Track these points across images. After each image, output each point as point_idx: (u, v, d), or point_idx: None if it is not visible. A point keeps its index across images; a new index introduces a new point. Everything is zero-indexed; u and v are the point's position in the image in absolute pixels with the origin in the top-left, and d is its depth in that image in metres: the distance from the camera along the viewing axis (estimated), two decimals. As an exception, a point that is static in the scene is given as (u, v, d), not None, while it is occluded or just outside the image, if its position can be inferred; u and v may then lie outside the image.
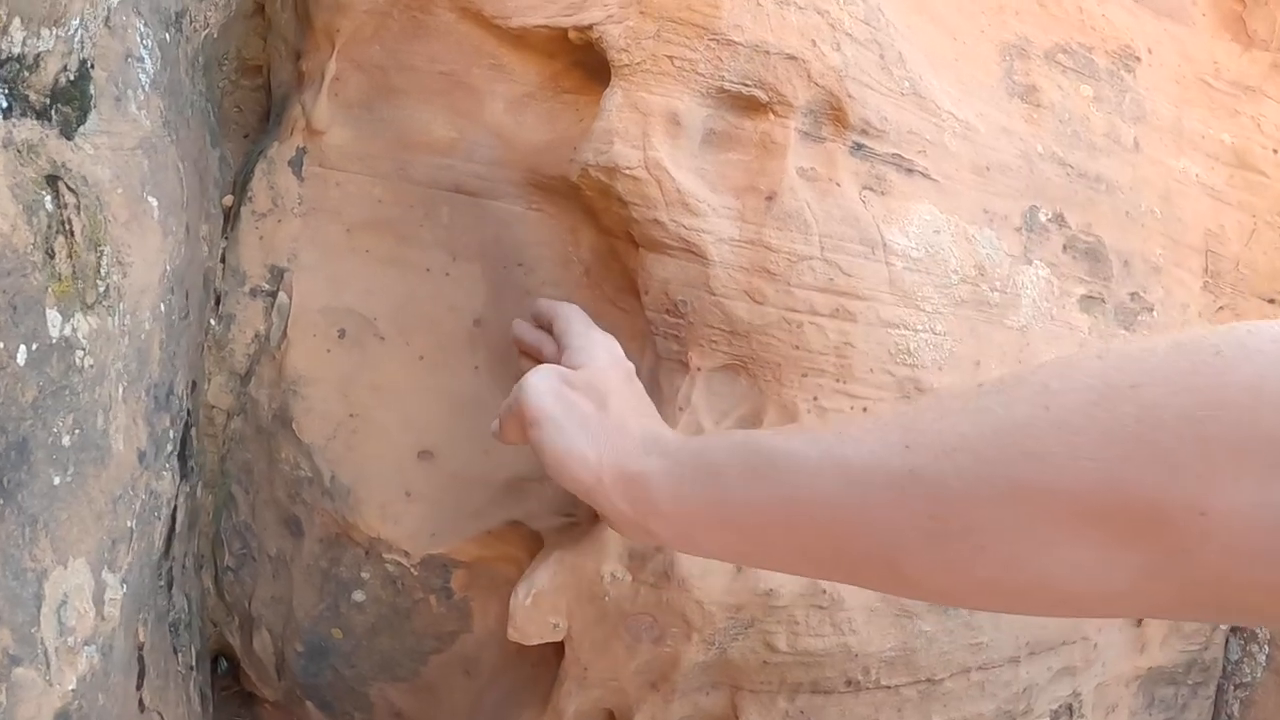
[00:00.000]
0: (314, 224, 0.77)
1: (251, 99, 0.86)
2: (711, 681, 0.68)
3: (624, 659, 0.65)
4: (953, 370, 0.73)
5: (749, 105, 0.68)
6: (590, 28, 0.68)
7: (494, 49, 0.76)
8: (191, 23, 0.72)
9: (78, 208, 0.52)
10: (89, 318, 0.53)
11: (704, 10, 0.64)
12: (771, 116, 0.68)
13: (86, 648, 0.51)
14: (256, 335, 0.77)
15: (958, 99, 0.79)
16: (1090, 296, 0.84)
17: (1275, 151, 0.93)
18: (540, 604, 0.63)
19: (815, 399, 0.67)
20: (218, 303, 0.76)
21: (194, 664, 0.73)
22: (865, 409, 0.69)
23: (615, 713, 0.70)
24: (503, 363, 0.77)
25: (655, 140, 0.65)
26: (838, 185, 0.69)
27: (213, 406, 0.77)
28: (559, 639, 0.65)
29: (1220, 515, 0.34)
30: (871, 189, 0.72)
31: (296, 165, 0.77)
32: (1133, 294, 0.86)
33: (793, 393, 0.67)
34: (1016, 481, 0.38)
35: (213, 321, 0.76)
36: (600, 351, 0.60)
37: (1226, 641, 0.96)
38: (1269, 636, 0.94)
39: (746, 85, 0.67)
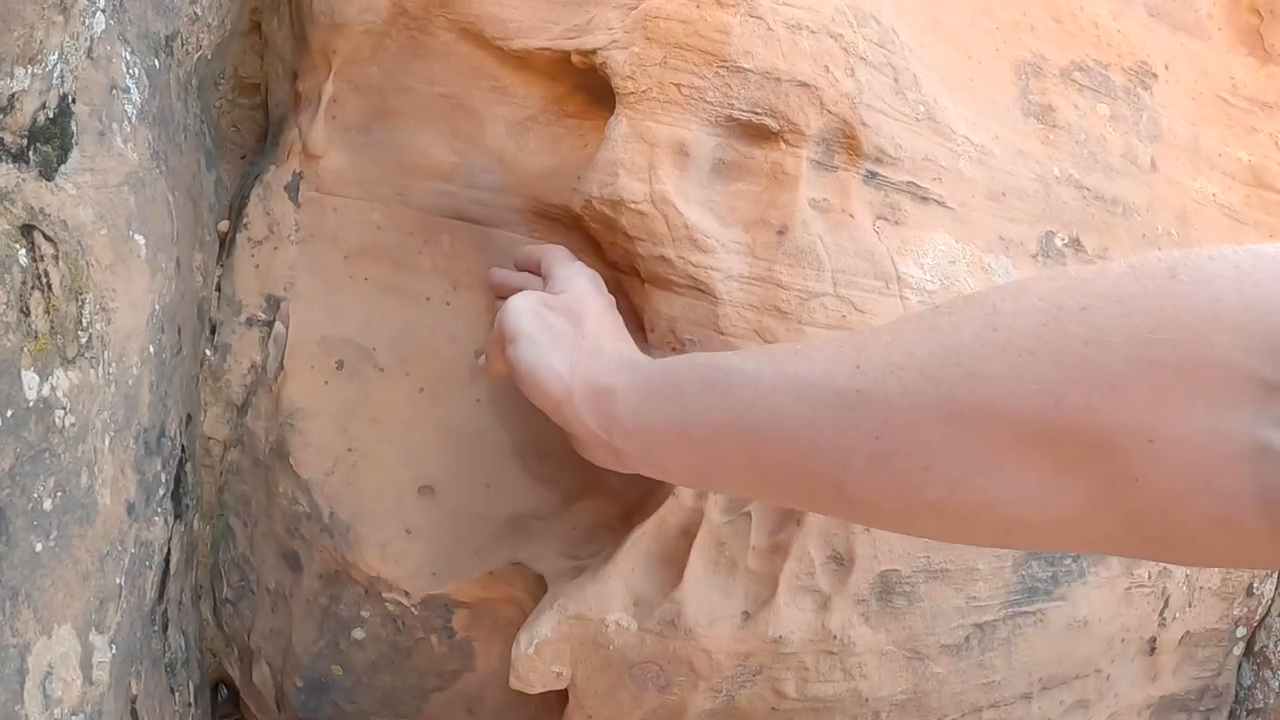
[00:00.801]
0: (311, 251, 0.74)
1: (249, 118, 0.82)
2: (719, 728, 0.65)
3: (629, 707, 0.62)
4: (967, 405, 0.69)
5: (760, 134, 0.64)
6: (594, 52, 0.64)
7: (495, 71, 0.72)
8: (183, 45, 0.68)
9: (56, 257, 0.49)
10: (69, 373, 0.49)
11: (713, 36, 0.60)
12: (783, 145, 0.64)
13: (74, 718, 0.48)
14: (253, 366, 0.73)
15: (973, 122, 0.75)
16: (1106, 322, 0.80)
17: (1295, 170, 0.89)
18: (543, 653, 0.60)
19: (827, 439, 0.64)
20: (213, 332, 0.73)
21: (192, 700, 0.70)
22: (878, 448, 0.65)
23: (620, 758, 0.67)
24: (506, 394, 0.74)
25: (662, 172, 0.61)
26: (851, 216, 0.66)
27: (209, 438, 0.73)
28: (563, 687, 0.62)
29: (1168, 444, 0.32)
30: (885, 219, 0.68)
31: (293, 190, 0.74)
32: (1149, 319, 0.82)
33: (803, 433, 0.63)
34: (962, 402, 0.36)
35: (208, 352, 0.73)
36: (581, 280, 0.60)
37: (1239, 667, 0.93)
38: (1283, 663, 0.91)
39: (757, 113, 0.63)
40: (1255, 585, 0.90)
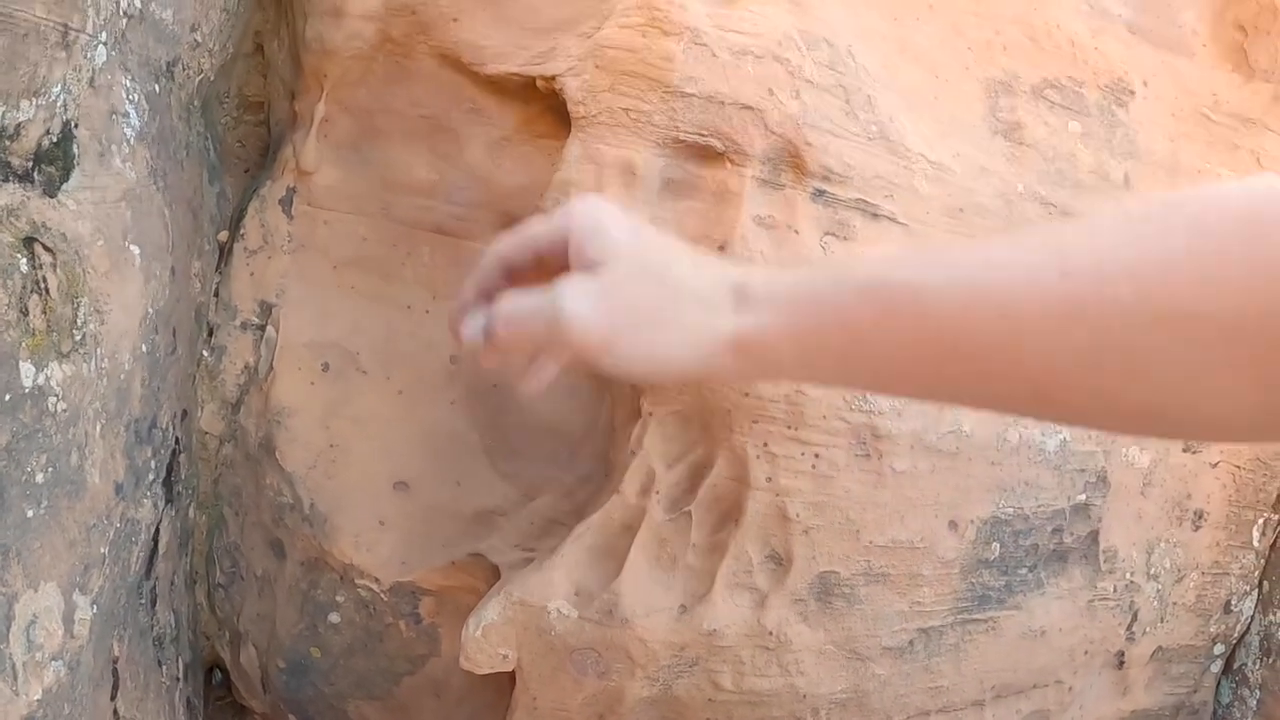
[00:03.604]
0: (302, 261, 0.83)
1: (254, 134, 0.92)
2: (660, 716, 0.72)
3: (571, 691, 0.69)
4: (914, 416, 0.75)
5: (707, 155, 0.71)
6: (554, 79, 0.72)
7: (473, 94, 0.80)
8: (184, 70, 0.78)
9: (54, 265, 0.58)
10: (63, 366, 0.59)
11: (657, 64, 0.68)
12: (728, 165, 0.71)
13: (54, 663, 0.57)
14: (246, 366, 0.83)
15: (933, 140, 0.81)
16: (1072, 337, 0.84)
17: (1278, 188, 0.92)
18: (490, 636, 0.68)
19: (765, 445, 0.70)
20: (210, 335, 0.83)
21: (181, 675, 0.79)
22: (817, 455, 0.71)
23: (567, 742, 0.74)
24: (477, 397, 0.82)
25: (609, 191, 0.69)
26: (796, 232, 0.72)
27: (205, 432, 0.83)
28: (509, 669, 0.69)
29: None
30: (834, 234, 0.74)
31: (287, 204, 0.83)
32: (1118, 335, 0.86)
33: (743, 439, 0.70)
34: (1182, 309, 0.39)
35: (205, 353, 0.82)
36: (613, 234, 0.51)
37: (1218, 685, 0.96)
38: (1260, 681, 0.93)
39: (703, 135, 0.70)
40: (1233, 602, 0.93)
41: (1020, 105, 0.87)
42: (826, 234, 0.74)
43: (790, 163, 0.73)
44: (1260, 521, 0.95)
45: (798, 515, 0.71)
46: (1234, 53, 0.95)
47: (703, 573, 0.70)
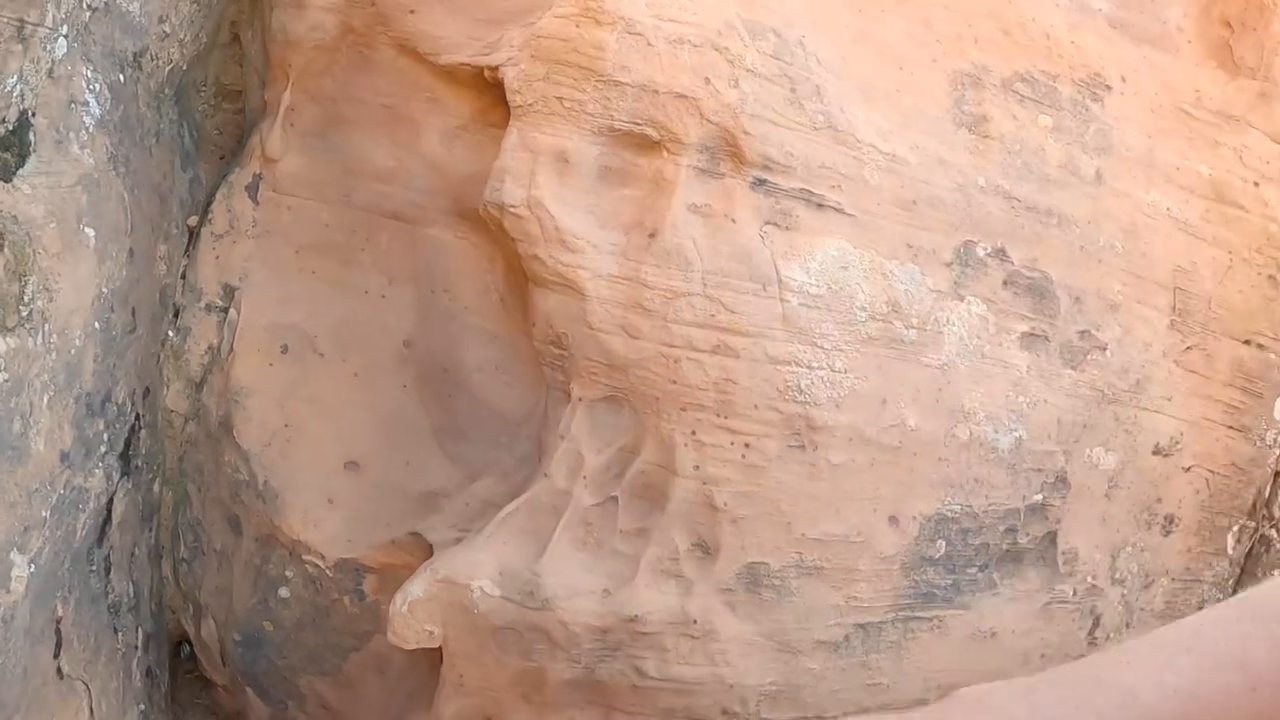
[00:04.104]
0: (266, 245, 0.87)
1: (232, 122, 0.96)
2: (585, 699, 0.74)
3: (495, 670, 0.71)
4: (853, 408, 0.75)
5: (643, 143, 0.73)
6: (497, 69, 0.74)
7: (430, 83, 0.83)
8: (153, 59, 0.82)
9: (1, 247, 0.62)
10: (7, 339, 0.63)
11: (589, 53, 0.70)
12: (664, 154, 0.72)
13: (-16, 616, 0.61)
14: (210, 347, 0.86)
15: (887, 131, 0.81)
16: (1032, 334, 0.84)
17: (1257, 184, 0.91)
18: (415, 611, 0.70)
19: (694, 433, 0.72)
20: (176, 315, 0.87)
21: (140, 645, 0.83)
22: (748, 445, 0.72)
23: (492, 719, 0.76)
24: (428, 382, 0.84)
25: (540, 179, 0.71)
26: (733, 221, 0.73)
27: (171, 411, 0.87)
28: (435, 645, 0.72)
29: None
30: (775, 224, 0.75)
31: (253, 190, 0.87)
32: (1082, 332, 0.86)
33: (670, 426, 0.71)
34: None
35: (171, 333, 0.86)
36: None
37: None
38: None
39: (637, 124, 0.72)
40: (1206, 606, 0.91)
41: (988, 98, 0.87)
42: (767, 223, 0.75)
43: (728, 152, 0.74)
44: (1235, 528, 0.93)
45: (725, 504, 0.72)
46: (1219, 49, 0.93)
47: (628, 558, 0.72)
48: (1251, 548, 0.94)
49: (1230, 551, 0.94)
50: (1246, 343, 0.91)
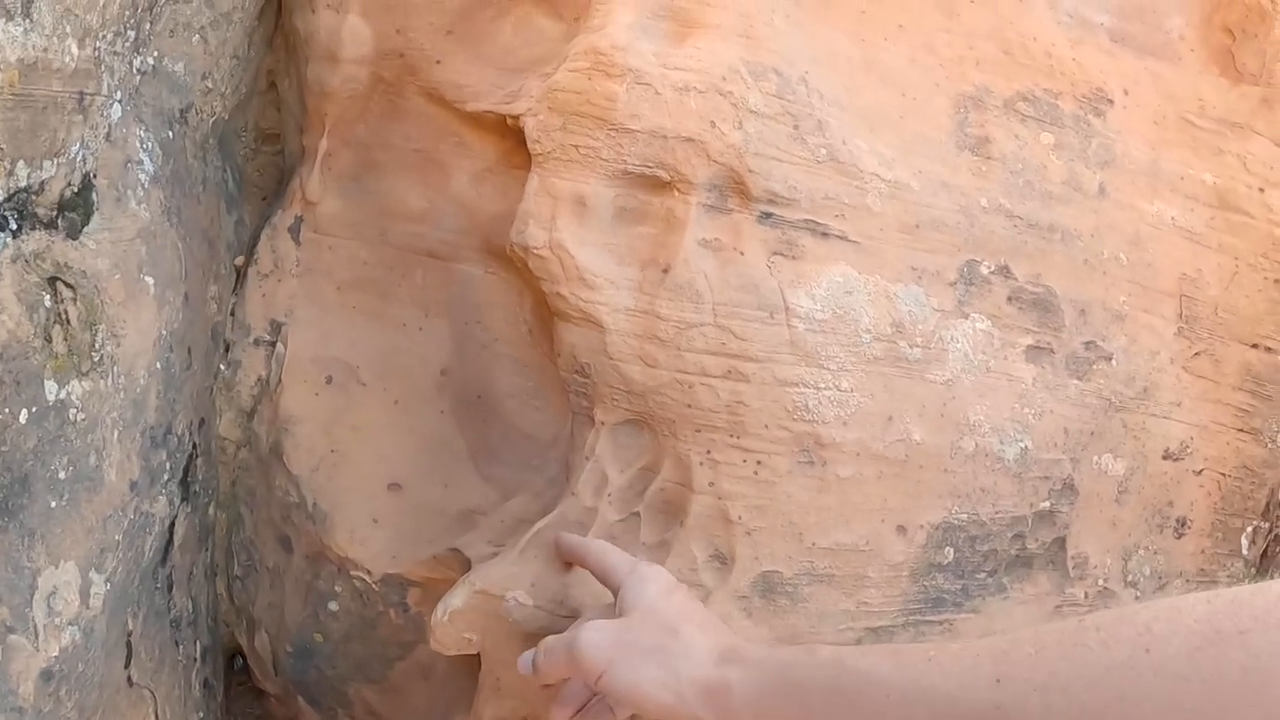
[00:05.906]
0: (309, 283, 0.97)
1: (271, 164, 1.07)
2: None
3: (530, 675, 0.81)
4: (860, 425, 0.84)
5: (655, 184, 0.81)
6: (518, 118, 0.84)
7: (458, 129, 0.93)
8: (198, 114, 0.92)
9: (74, 299, 0.73)
10: (82, 383, 0.73)
11: (601, 104, 0.79)
12: (675, 193, 0.81)
13: (70, 627, 0.71)
14: (259, 379, 0.97)
15: (890, 159, 0.89)
16: (1037, 347, 0.92)
17: (1261, 190, 0.97)
18: (455, 620, 0.80)
19: (709, 452, 0.80)
20: (227, 350, 0.97)
21: (198, 657, 0.94)
22: (759, 462, 0.81)
23: (529, 722, 0.85)
24: (463, 408, 0.94)
25: (561, 222, 0.80)
26: (741, 254, 0.82)
27: (224, 438, 0.98)
28: (474, 652, 0.81)
29: None
30: (782, 254, 0.84)
31: (294, 231, 0.97)
32: (1088, 343, 0.93)
33: (687, 446, 0.80)
34: None
35: (223, 367, 0.97)
36: (650, 586, 0.67)
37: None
38: None
39: (649, 167, 0.80)
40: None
41: (990, 119, 0.94)
42: (774, 254, 0.84)
43: (735, 189, 0.82)
44: (1249, 529, 1.00)
45: (740, 518, 0.81)
46: (1221, 57, 0.99)
47: (650, 570, 0.81)
48: (1266, 548, 1.01)
49: (1245, 552, 1.00)
50: (1254, 346, 0.98)
